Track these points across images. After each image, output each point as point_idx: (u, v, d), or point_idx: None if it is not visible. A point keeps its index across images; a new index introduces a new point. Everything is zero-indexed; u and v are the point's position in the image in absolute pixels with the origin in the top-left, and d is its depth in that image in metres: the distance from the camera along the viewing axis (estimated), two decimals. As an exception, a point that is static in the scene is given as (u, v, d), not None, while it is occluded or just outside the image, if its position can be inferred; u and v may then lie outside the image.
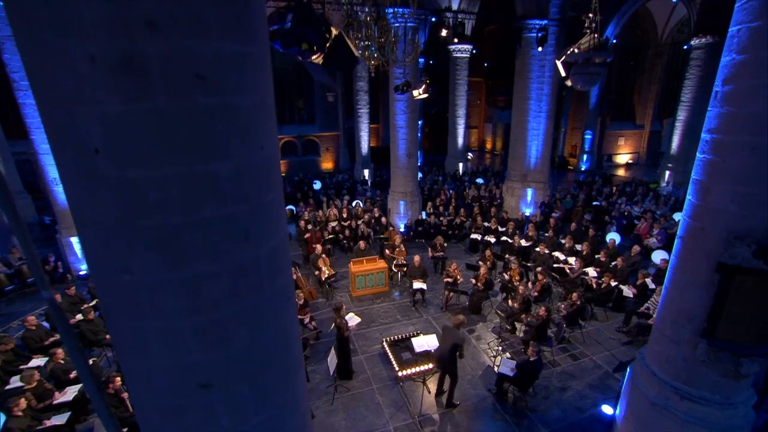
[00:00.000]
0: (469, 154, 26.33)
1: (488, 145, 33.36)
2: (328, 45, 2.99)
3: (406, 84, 11.51)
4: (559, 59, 7.26)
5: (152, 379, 1.76)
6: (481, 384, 6.45)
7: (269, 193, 1.84)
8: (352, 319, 6.74)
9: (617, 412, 5.37)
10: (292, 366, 2.15)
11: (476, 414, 5.85)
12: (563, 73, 7.09)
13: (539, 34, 12.62)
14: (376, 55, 6.86)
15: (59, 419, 5.00)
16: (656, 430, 4.50)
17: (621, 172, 23.54)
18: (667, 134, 21.93)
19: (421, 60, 18.57)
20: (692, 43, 16.65)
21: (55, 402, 5.31)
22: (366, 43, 6.27)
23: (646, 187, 17.03)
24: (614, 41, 20.67)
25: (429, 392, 6.23)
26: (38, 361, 6.13)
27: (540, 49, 12.70)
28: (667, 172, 18.29)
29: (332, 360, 5.99)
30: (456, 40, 15.05)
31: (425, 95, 11.43)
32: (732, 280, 3.68)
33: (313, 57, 3.06)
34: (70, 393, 5.48)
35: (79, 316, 7.14)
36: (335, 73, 23.32)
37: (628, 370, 5.19)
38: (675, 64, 23.86)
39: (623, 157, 25.85)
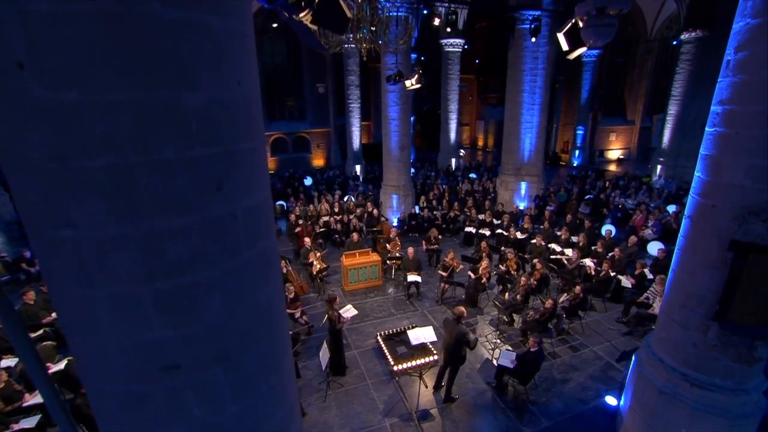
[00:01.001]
0: (461, 151, 26.20)
1: (480, 142, 33.29)
2: (316, 1, 2.74)
3: (399, 74, 11.27)
4: (560, 31, 7.01)
5: (107, 360, 1.47)
6: (480, 378, 6.23)
7: (248, 140, 1.57)
8: (349, 311, 6.47)
9: (621, 402, 5.18)
10: (276, 346, 1.87)
11: (475, 408, 5.61)
12: (566, 47, 6.86)
13: (532, 25, 12.45)
14: (368, 37, 6.58)
15: (29, 422, 4.64)
16: (664, 419, 4.31)
17: (612, 168, 23.59)
18: (658, 130, 22.01)
19: (413, 55, 18.40)
20: (682, 37, 16.70)
21: (24, 404, 4.94)
22: (357, 16, 5.98)
23: (638, 180, 17.03)
24: (605, 36, 20.67)
25: (426, 387, 5.99)
26: (8, 361, 5.74)
27: (533, 40, 12.53)
28: (659, 166, 18.33)
29: (324, 354, 5.71)
30: (449, 30, 14.84)
31: (418, 85, 11.20)
32: (746, 259, 3.50)
33: (301, 14, 2.79)
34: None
35: (54, 315, 6.74)
36: (325, 60, 22.99)
37: (632, 358, 5.00)
38: (664, 60, 24.03)
39: (614, 153, 25.97)
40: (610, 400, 5.37)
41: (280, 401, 1.97)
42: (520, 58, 13.61)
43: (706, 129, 3.85)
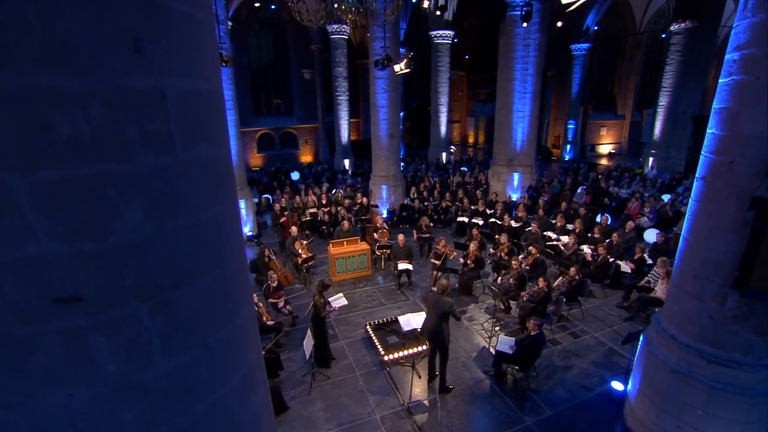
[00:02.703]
0: (452, 147, 25.97)
1: (470, 139, 33.15)
2: None
3: (387, 58, 10.94)
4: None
5: (-28, 288, 1.05)
6: (477, 366, 5.86)
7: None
8: (338, 301, 6.06)
9: (629, 387, 4.86)
10: (229, 288, 1.47)
11: (473, 398, 5.24)
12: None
13: (523, 11, 12.24)
14: (353, 7, 6.21)
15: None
16: (678, 401, 3.99)
17: (604, 162, 23.57)
18: (648, 124, 22.09)
19: (401, 50, 18.11)
20: (672, 29, 16.71)
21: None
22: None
23: (631, 172, 16.96)
24: (596, 28, 20.73)
25: (419, 377, 5.60)
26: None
27: (525, 25, 12.31)
28: (651, 158, 18.31)
29: (308, 342, 5.29)
30: (438, 13, 14.57)
31: (407, 70, 10.87)
32: (769, 218, 3.20)
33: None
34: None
35: None
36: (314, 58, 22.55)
37: (640, 338, 4.69)
38: (653, 54, 24.18)
39: (605, 148, 26.01)
40: (617, 385, 5.04)
41: (235, 364, 1.56)
42: (511, 46, 13.41)
43: (720, 81, 3.55)
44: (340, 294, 6.44)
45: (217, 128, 1.42)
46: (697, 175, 3.86)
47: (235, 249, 1.54)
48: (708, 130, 3.70)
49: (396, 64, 10.97)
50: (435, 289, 5.23)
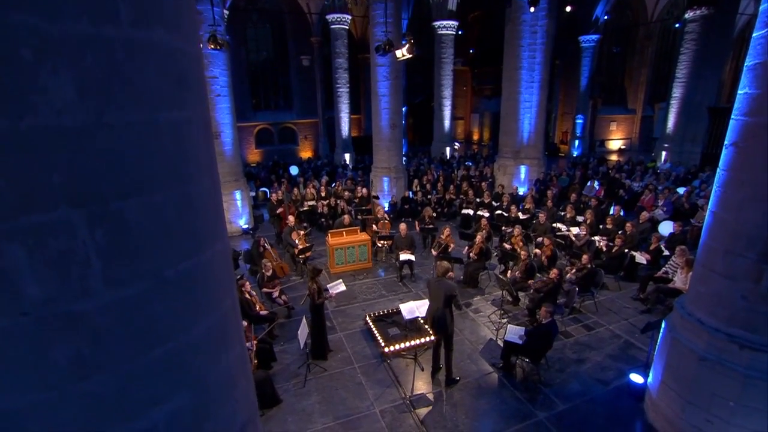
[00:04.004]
0: (456, 144, 25.74)
1: (475, 136, 32.84)
2: None
3: (388, 43, 10.74)
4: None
5: None
6: (483, 359, 5.61)
7: None
8: (337, 287, 5.84)
9: (650, 380, 4.61)
10: (201, 207, 1.25)
11: (480, 391, 4.99)
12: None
13: (531, -6, 12.03)
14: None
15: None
16: (707, 392, 3.73)
17: (614, 158, 23.29)
18: (660, 119, 21.80)
19: (402, 42, 17.96)
20: (686, 16, 16.43)
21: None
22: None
23: (643, 165, 16.66)
24: (605, 18, 20.51)
25: (422, 370, 5.35)
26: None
27: (532, 10, 12.08)
28: (664, 153, 18.01)
29: (303, 331, 5.05)
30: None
31: (409, 55, 10.67)
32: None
33: None
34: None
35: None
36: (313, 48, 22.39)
37: (662, 325, 4.44)
38: (665, 46, 23.91)
39: (615, 143, 25.73)
40: (636, 378, 4.78)
41: (201, 308, 1.33)
42: (518, 33, 13.16)
43: (754, 35, 3.32)
44: (339, 280, 6.21)
45: (181, 16, 1.20)
46: (726, 142, 3.61)
47: (203, 167, 1.31)
48: (740, 91, 3.45)
49: (398, 49, 10.79)
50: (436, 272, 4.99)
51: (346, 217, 9.35)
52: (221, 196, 1.49)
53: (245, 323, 5.00)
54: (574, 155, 23.58)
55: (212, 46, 9.10)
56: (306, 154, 24.67)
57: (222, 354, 1.43)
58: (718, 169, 3.70)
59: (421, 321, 5.63)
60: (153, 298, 1.14)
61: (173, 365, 1.21)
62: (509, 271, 7.56)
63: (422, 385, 5.08)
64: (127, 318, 1.09)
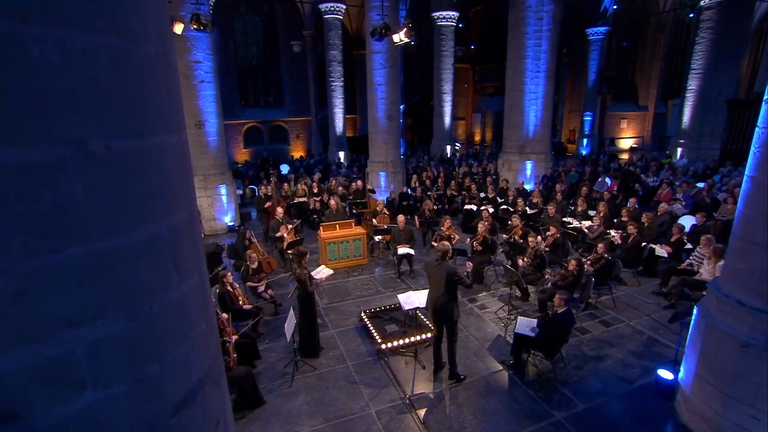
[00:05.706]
0: (458, 144, 25.60)
1: (477, 137, 32.75)
2: None
3: (385, 27, 10.60)
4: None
5: None
6: (491, 356, 5.30)
7: None
8: (321, 272, 5.55)
9: (680, 375, 4.31)
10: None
11: (488, 389, 4.67)
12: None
13: (536, -22, 11.96)
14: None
15: None
16: (752, 382, 3.43)
17: (625, 157, 23.17)
18: (674, 116, 21.74)
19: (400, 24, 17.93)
20: (702, 4, 16.39)
21: None
22: None
23: (657, 161, 16.48)
24: (615, 8, 20.51)
25: (423, 368, 5.04)
26: None
27: (538, -6, 12.01)
28: (679, 149, 17.84)
29: (290, 323, 4.74)
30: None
31: (407, 40, 10.54)
32: None
33: None
34: None
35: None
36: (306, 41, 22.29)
37: (693, 313, 4.15)
38: (679, 38, 23.93)
39: (626, 142, 25.64)
40: (665, 373, 4.47)
41: (152, 208, 1.05)
42: (522, 20, 13.03)
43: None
44: (322, 266, 5.93)
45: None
46: (765, 97, 3.38)
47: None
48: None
49: (395, 33, 10.63)
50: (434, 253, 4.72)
51: (333, 202, 9.10)
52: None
53: (225, 315, 4.70)
54: (583, 154, 23.45)
55: (195, 27, 8.87)
56: (298, 153, 24.46)
57: (172, 276, 1.14)
58: (756, 128, 3.47)
59: (418, 313, 5.31)
60: (69, 169, 0.85)
61: (95, 274, 0.91)
62: (521, 261, 7.28)
63: (423, 384, 4.77)
64: (26, 196, 0.80)
